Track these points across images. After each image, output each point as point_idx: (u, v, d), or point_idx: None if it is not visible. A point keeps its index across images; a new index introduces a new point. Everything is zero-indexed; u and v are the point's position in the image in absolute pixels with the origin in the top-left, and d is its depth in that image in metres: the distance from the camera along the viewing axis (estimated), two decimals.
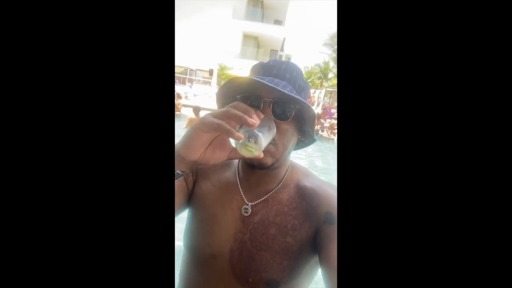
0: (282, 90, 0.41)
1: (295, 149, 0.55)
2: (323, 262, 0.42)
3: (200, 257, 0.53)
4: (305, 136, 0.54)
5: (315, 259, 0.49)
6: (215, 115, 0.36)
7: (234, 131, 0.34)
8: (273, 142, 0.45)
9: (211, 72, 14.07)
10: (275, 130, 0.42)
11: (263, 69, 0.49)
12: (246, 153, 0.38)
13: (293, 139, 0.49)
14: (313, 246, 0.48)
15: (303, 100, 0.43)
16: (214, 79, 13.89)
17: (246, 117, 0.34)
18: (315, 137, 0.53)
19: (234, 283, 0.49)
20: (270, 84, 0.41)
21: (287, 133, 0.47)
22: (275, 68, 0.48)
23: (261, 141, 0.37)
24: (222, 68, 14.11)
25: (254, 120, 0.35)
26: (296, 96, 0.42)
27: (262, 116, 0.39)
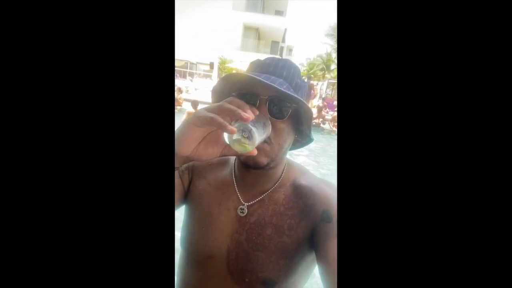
0: (279, 87, 0.40)
1: (291, 149, 0.54)
2: (321, 260, 0.42)
3: (197, 257, 0.53)
4: (302, 136, 0.53)
5: (312, 257, 0.49)
6: (209, 109, 0.36)
7: (227, 124, 0.33)
8: (268, 141, 0.45)
9: (211, 65, 13.96)
10: (270, 128, 0.42)
11: (259, 66, 0.48)
12: (239, 148, 0.37)
13: (289, 139, 0.48)
14: (309, 245, 0.48)
15: (300, 98, 0.42)
16: (215, 73, 13.80)
17: (240, 111, 0.34)
18: (312, 136, 0.52)
19: (231, 283, 0.50)
20: (266, 81, 0.40)
21: (283, 132, 0.46)
22: (272, 66, 0.47)
23: (254, 136, 0.36)
24: (222, 61, 13.98)
25: (248, 114, 0.35)
26: (293, 94, 0.41)
27: (258, 112, 0.38)
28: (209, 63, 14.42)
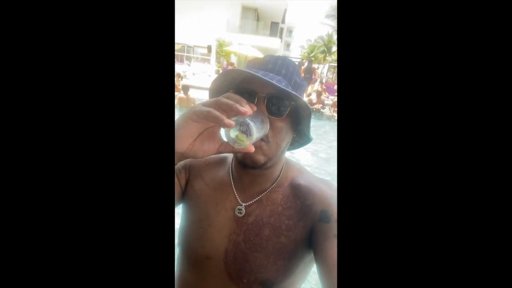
0: (277, 84, 0.39)
1: (289, 149, 0.54)
2: (319, 260, 0.42)
3: (195, 258, 0.53)
4: (300, 135, 0.52)
5: (310, 257, 0.49)
6: (205, 104, 0.35)
7: (224, 117, 0.33)
8: (265, 140, 0.44)
9: (209, 48, 13.55)
10: (268, 125, 0.41)
11: (258, 64, 0.47)
12: (236, 144, 0.37)
13: (287, 138, 0.48)
14: (307, 245, 0.47)
15: (298, 95, 0.41)
16: (213, 56, 13.43)
17: (237, 105, 0.33)
18: (311, 136, 0.51)
19: (229, 284, 0.49)
20: (263, 77, 0.39)
21: (281, 131, 0.45)
22: (271, 63, 0.46)
23: (252, 130, 0.35)
24: (220, 44, 13.56)
25: (246, 108, 0.34)
26: (291, 91, 0.40)
27: (255, 108, 0.37)
28: (206, 46, 13.98)
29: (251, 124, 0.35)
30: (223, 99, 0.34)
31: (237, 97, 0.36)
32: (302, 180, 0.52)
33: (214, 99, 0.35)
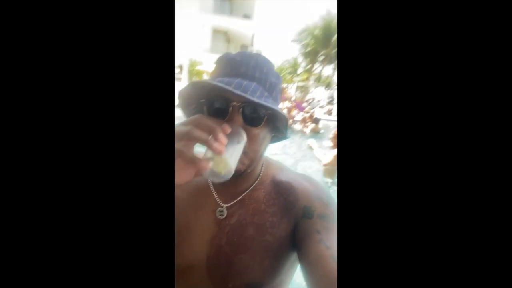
0: (250, 97, 0.38)
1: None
2: (302, 256, 0.42)
3: (176, 267, 0.50)
4: (279, 131, 0.50)
5: (295, 255, 0.48)
6: (177, 135, 0.33)
7: (199, 160, 0.32)
8: (243, 151, 0.41)
9: (181, 67, 13.64)
10: (245, 140, 0.39)
11: (230, 65, 0.44)
12: (213, 177, 0.35)
13: (266, 142, 0.47)
14: (292, 242, 0.47)
15: (275, 108, 0.40)
16: (185, 75, 13.51)
17: (212, 142, 0.32)
18: (288, 135, 0.51)
19: None
20: (237, 92, 0.37)
21: (258, 138, 0.44)
22: (243, 66, 0.43)
23: (230, 165, 0.35)
24: (192, 64, 13.75)
25: (221, 142, 0.32)
26: (267, 104, 0.39)
27: (230, 130, 0.35)
28: (178, 65, 14.05)
29: (226, 156, 0.34)
30: (195, 131, 0.32)
31: (210, 124, 0.33)
32: (283, 177, 0.52)
33: (185, 129, 0.33)
